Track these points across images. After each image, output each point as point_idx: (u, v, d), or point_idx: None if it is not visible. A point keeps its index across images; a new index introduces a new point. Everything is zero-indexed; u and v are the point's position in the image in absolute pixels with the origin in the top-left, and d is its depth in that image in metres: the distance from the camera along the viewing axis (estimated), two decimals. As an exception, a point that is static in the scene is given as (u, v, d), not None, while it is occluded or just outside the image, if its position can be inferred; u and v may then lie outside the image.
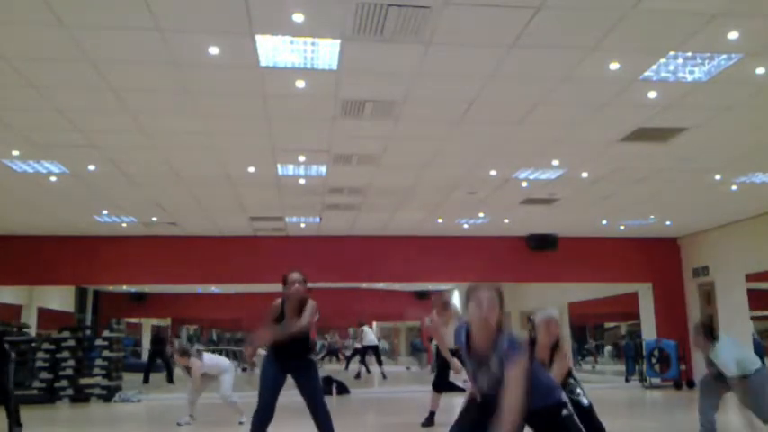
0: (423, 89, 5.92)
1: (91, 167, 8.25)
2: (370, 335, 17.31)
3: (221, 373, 8.36)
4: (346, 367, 19.59)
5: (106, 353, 11.87)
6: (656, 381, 13.47)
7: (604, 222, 12.23)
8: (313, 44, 5.06)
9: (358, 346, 17.79)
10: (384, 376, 16.34)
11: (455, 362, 7.30)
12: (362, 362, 17.35)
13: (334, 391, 12.28)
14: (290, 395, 5.29)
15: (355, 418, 9.32)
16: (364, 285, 20.09)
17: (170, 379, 15.41)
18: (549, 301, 15.80)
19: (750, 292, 11.86)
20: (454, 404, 10.90)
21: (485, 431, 3.06)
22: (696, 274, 13.44)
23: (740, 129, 7.05)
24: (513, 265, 13.32)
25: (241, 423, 7.96)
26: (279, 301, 5.18)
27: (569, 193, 9.95)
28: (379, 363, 16.92)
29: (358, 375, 16.55)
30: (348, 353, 19.57)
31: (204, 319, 18.87)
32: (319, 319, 5.46)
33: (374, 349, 17.19)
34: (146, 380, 15.35)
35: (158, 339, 16.69)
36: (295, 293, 5.08)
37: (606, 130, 7.13)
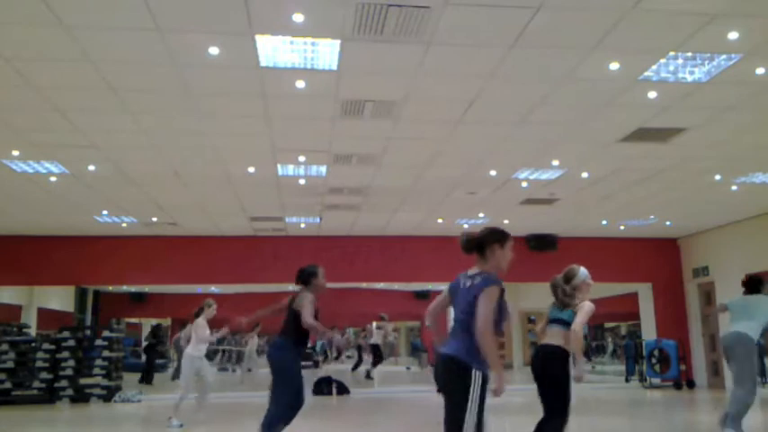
0: (423, 89, 5.92)
1: (91, 167, 8.25)
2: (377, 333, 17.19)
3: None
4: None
5: (106, 353, 11.85)
6: (656, 381, 13.48)
7: (604, 222, 12.24)
8: (313, 44, 5.06)
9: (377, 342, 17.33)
10: (369, 376, 16.14)
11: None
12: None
13: (334, 391, 12.28)
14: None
15: (357, 418, 9.32)
16: (364, 285, 20.09)
17: (149, 379, 15.30)
18: (550, 301, 15.77)
19: (750, 291, 11.84)
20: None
21: None
22: (696, 274, 13.44)
23: (740, 129, 7.05)
24: (513, 265, 13.18)
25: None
26: (313, 295, 5.37)
27: (569, 193, 9.95)
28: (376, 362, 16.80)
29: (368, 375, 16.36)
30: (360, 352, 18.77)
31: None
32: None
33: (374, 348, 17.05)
34: (147, 380, 15.30)
35: (153, 336, 16.59)
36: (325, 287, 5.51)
37: (606, 130, 7.13)
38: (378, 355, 16.66)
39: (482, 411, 3.19)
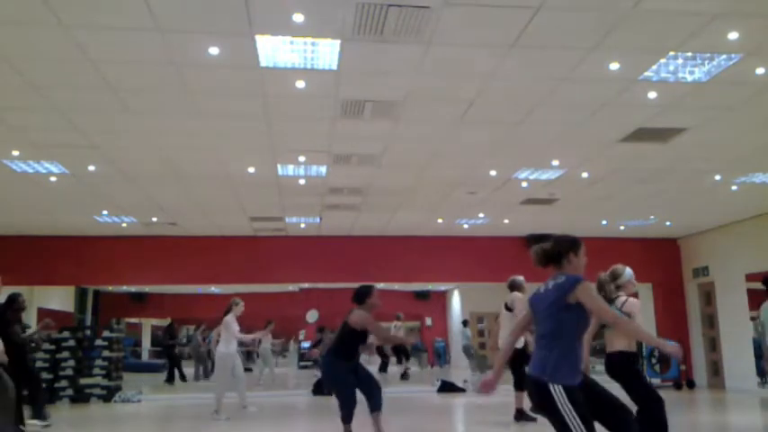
0: (423, 89, 5.92)
1: (91, 167, 8.25)
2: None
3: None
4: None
5: (106, 353, 11.85)
6: (656, 381, 13.47)
7: (604, 222, 12.23)
8: (313, 44, 5.06)
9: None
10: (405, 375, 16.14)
11: None
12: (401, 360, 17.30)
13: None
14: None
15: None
16: (364, 285, 20.07)
17: (181, 377, 15.45)
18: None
19: (750, 292, 11.86)
20: (454, 404, 10.91)
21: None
22: (696, 274, 13.44)
23: (740, 129, 7.05)
24: (514, 265, 13.29)
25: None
26: (368, 314, 5.85)
27: (569, 193, 9.95)
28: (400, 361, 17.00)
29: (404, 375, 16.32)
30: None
31: (204, 319, 18.96)
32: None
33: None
34: (182, 378, 15.41)
35: (170, 336, 16.59)
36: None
37: (606, 130, 7.13)
38: (405, 354, 16.81)
39: (584, 418, 3.11)
